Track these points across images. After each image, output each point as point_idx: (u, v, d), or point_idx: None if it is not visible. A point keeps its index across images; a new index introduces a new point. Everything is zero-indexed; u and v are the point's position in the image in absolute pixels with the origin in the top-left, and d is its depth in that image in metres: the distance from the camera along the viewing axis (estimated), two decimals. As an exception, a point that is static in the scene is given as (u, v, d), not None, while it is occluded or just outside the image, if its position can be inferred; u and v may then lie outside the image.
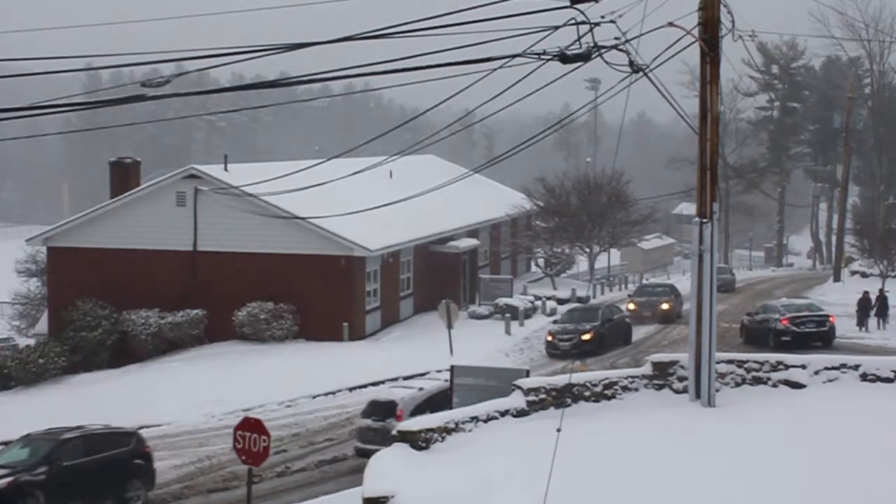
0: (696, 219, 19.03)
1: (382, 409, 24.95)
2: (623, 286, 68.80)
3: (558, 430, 13.34)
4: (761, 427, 17.05)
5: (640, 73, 17.19)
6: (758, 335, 37.91)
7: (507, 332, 42.66)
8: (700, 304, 18.97)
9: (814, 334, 36.39)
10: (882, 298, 43.55)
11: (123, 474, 23.36)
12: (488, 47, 15.12)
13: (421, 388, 25.58)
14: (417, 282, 48.59)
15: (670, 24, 17.74)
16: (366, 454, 21.85)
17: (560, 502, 13.08)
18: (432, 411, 20.94)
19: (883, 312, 43.23)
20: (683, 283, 63.80)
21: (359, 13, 64.81)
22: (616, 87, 17.43)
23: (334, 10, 28.90)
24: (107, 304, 43.00)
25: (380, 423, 24.53)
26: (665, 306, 47.31)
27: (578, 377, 19.81)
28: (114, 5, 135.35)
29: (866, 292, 43.93)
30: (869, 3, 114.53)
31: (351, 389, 34.20)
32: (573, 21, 15.36)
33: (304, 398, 33.40)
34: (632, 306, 47.02)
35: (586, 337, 38.56)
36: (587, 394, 19.20)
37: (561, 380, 19.37)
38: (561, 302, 50.53)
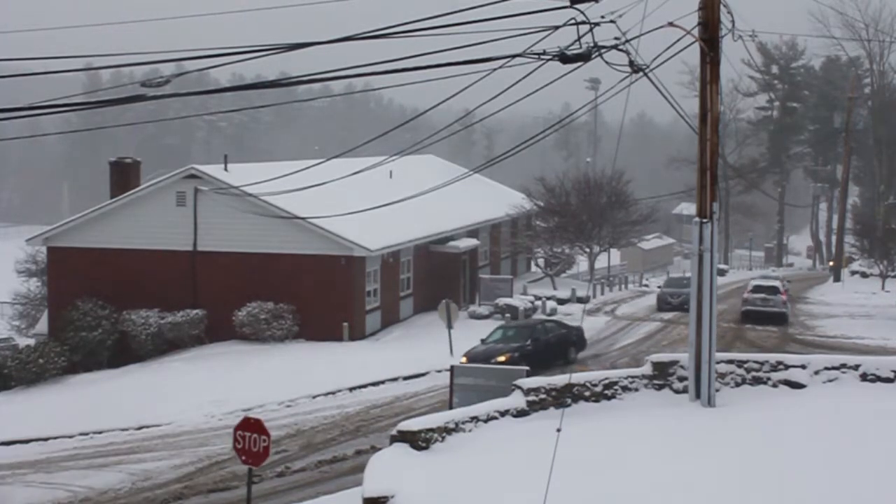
0: (696, 219, 19.04)
1: (768, 290, 45.25)
2: (622, 286, 68.67)
3: (558, 430, 13.35)
4: (761, 427, 17.05)
5: (640, 73, 17.21)
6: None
7: (507, 332, 42.48)
8: (700, 304, 18.98)
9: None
10: None
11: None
12: (488, 47, 15.15)
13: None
14: (417, 282, 48.56)
15: (670, 24, 17.76)
16: (754, 314, 44.52)
17: (560, 502, 13.08)
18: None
19: None
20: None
21: (359, 13, 64.80)
22: (616, 87, 17.46)
23: (334, 10, 28.89)
24: (107, 304, 42.99)
25: (772, 296, 44.61)
26: (501, 358, 33.31)
27: (578, 377, 19.83)
28: (114, 5, 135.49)
29: None
30: (869, 3, 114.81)
31: (351, 389, 34.17)
32: (573, 21, 15.38)
33: (304, 398, 33.34)
34: (463, 359, 33.32)
35: None
36: (587, 394, 19.22)
37: (561, 380, 19.39)
38: (561, 302, 50.44)
